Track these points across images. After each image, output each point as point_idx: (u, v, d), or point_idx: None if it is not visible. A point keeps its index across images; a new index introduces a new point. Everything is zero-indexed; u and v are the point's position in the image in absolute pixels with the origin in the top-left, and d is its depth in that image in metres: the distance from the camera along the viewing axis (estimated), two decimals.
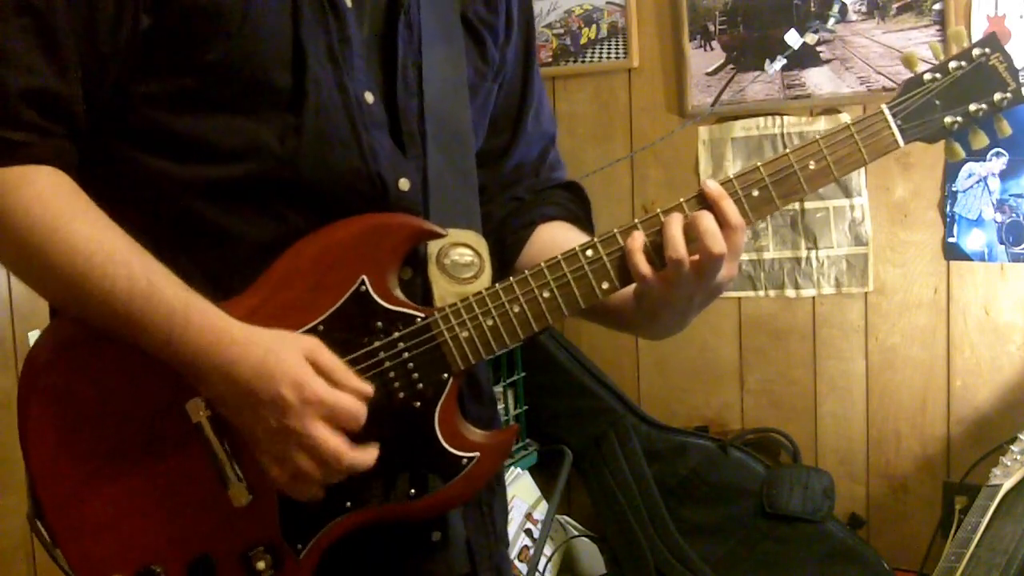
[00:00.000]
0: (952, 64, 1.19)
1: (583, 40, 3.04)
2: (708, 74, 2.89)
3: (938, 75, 1.19)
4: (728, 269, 1.15)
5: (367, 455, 1.10)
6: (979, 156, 2.62)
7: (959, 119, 1.19)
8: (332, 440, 1.07)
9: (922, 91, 1.18)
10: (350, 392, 1.09)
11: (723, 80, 2.87)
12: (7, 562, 2.34)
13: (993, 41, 1.20)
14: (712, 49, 2.88)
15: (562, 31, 3.07)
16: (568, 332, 3.06)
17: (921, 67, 1.20)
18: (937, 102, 1.19)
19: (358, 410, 1.09)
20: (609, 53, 3.02)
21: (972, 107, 1.19)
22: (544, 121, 1.42)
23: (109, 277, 1.06)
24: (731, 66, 2.86)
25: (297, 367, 1.06)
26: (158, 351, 1.08)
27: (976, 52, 1.19)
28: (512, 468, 2.90)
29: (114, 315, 1.08)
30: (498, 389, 2.91)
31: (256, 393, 1.06)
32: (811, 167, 1.17)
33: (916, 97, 1.18)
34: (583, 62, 3.05)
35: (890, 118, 1.18)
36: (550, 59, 3.09)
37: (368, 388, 1.10)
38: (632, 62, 2.98)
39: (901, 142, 1.18)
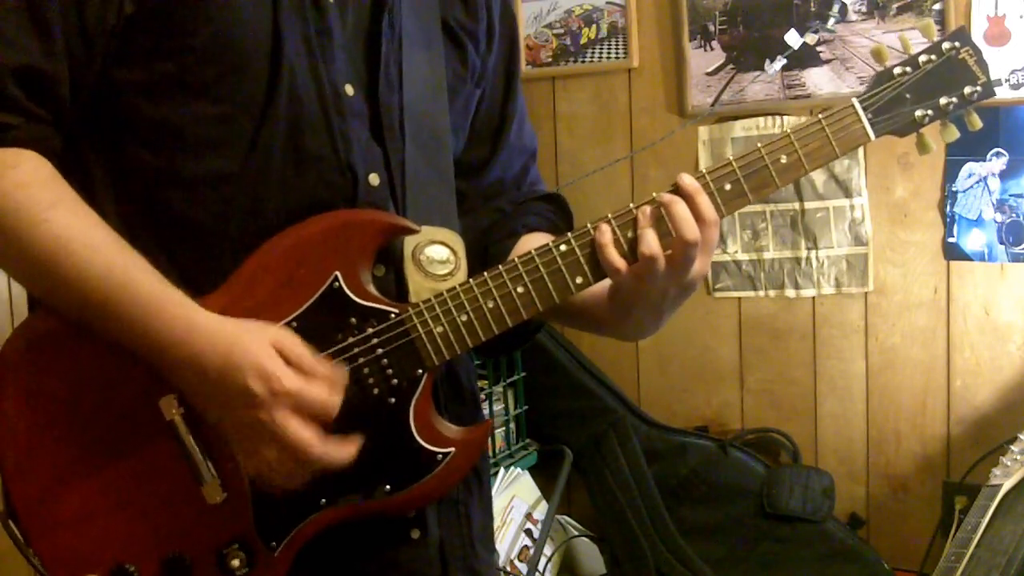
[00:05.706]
0: (922, 58, 1.19)
1: (583, 40, 3.04)
2: (708, 74, 2.88)
3: (908, 69, 1.19)
4: (701, 263, 1.16)
5: (342, 451, 1.09)
6: (978, 156, 2.62)
7: (929, 112, 1.19)
8: (301, 432, 1.07)
9: (892, 84, 1.19)
10: (321, 380, 1.08)
11: (723, 80, 2.87)
12: (7, 564, 2.35)
13: (962, 35, 1.21)
14: (712, 49, 2.87)
15: (562, 31, 3.07)
16: (568, 332, 3.06)
17: (891, 60, 1.20)
18: (907, 95, 1.19)
19: (329, 399, 1.08)
20: (609, 53, 3.02)
21: (942, 100, 1.20)
22: (526, 136, 1.43)
23: (85, 264, 1.07)
24: (731, 66, 2.86)
25: (264, 357, 1.06)
26: (129, 342, 1.09)
27: (946, 46, 1.20)
28: (512, 468, 2.90)
29: (88, 304, 1.08)
30: (498, 389, 2.92)
31: (224, 385, 1.06)
32: (782, 160, 1.17)
33: (887, 90, 1.19)
34: (583, 62, 3.05)
35: (860, 111, 1.18)
36: (550, 59, 3.09)
37: (341, 373, 1.10)
38: (632, 62, 2.99)
39: (872, 135, 1.18)
